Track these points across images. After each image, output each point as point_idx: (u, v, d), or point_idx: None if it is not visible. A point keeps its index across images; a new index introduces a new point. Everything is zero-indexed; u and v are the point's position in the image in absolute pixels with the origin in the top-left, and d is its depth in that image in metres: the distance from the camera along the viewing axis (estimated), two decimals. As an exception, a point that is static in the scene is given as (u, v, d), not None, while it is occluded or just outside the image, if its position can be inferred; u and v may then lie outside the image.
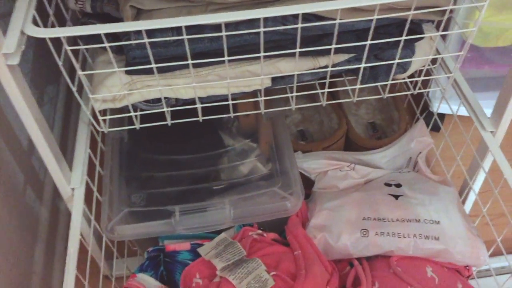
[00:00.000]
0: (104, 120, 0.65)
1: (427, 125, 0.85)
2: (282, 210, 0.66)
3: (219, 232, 0.67)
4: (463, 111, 0.76)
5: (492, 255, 0.72)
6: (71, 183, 0.67)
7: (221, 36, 0.54)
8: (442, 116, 0.98)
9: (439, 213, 0.66)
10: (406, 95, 0.94)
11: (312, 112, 0.94)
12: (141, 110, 0.65)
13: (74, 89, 0.59)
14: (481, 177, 0.76)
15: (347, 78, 0.68)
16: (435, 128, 0.96)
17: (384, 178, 0.74)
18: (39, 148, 0.61)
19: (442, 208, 0.67)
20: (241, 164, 0.74)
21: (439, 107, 0.83)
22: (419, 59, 0.65)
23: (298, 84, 0.64)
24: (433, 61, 0.72)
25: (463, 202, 0.81)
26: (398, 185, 0.71)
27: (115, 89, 0.60)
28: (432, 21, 0.69)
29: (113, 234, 0.65)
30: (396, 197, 0.69)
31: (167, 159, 0.73)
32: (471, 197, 0.80)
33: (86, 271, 0.62)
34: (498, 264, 0.82)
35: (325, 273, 0.61)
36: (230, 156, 0.75)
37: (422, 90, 0.70)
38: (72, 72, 0.60)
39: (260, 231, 0.67)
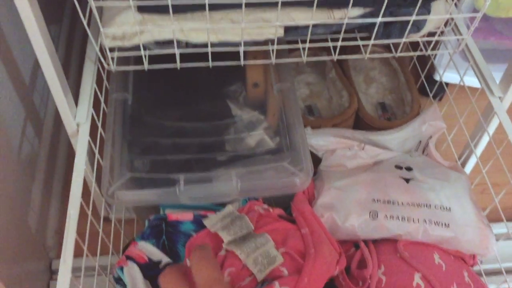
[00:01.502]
0: (112, 58, 0.63)
1: (431, 92, 0.88)
2: (290, 186, 0.64)
3: (222, 204, 0.65)
4: (467, 82, 0.78)
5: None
6: (77, 118, 0.66)
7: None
8: (445, 85, 0.98)
9: (450, 200, 0.65)
10: (411, 60, 0.94)
11: (321, 88, 0.91)
12: (150, 51, 0.63)
13: (85, 22, 0.57)
14: (482, 144, 0.78)
15: (360, 34, 0.67)
16: (437, 96, 0.99)
17: (394, 160, 0.72)
18: (47, 75, 0.60)
19: (454, 195, 0.66)
20: (248, 136, 0.71)
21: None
22: (435, 18, 0.64)
23: (311, 37, 0.62)
24: (445, 25, 0.72)
25: (463, 166, 0.82)
26: (409, 168, 0.70)
27: (125, 26, 0.59)
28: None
29: (113, 199, 0.62)
30: (407, 180, 0.67)
31: (172, 126, 0.70)
32: (471, 162, 0.81)
33: (89, 206, 0.61)
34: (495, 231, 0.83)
35: (334, 253, 0.59)
36: (237, 127, 0.72)
37: (433, 52, 0.70)
38: (80, 7, 0.58)
39: (266, 206, 0.65)
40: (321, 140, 0.74)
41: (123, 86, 0.72)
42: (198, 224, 0.63)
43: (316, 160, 0.75)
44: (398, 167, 0.70)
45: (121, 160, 0.65)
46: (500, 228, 0.82)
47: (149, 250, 0.61)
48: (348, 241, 0.66)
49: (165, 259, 0.60)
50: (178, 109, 0.72)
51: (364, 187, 0.66)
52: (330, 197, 0.66)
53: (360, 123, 0.82)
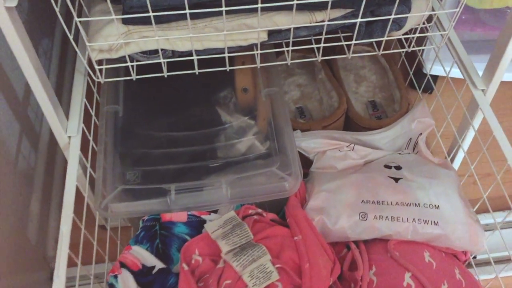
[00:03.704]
0: (101, 70, 0.65)
1: (420, 86, 0.89)
2: (280, 191, 0.65)
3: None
4: (455, 74, 0.79)
5: (479, 212, 0.75)
6: (68, 131, 0.68)
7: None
8: (434, 78, 1.00)
9: (439, 198, 0.66)
10: (400, 56, 0.95)
11: (311, 89, 0.91)
12: (137, 61, 0.65)
13: (71, 37, 0.58)
14: (470, 137, 0.79)
15: (343, 34, 0.68)
16: (427, 90, 1.01)
17: (384, 159, 0.73)
18: (37, 94, 0.62)
19: (442, 192, 0.66)
20: (239, 142, 0.72)
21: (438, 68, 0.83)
22: (415, 15, 0.65)
23: (294, 39, 0.64)
24: (428, 20, 0.73)
25: (452, 161, 0.83)
26: (398, 168, 0.70)
27: (111, 38, 0.60)
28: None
29: (106, 212, 0.63)
30: (396, 180, 0.68)
31: (163, 136, 0.71)
32: (460, 156, 0.82)
33: (82, 217, 0.63)
34: (484, 222, 0.86)
35: (328, 263, 0.60)
36: (227, 133, 0.73)
37: (416, 48, 0.71)
38: (68, 23, 0.60)
39: (260, 211, 0.66)
40: (311, 143, 0.75)
41: (114, 99, 0.73)
42: (192, 227, 0.65)
43: (308, 162, 0.76)
44: (387, 167, 0.71)
45: (113, 173, 0.66)
46: (491, 219, 0.83)
47: (143, 255, 0.62)
48: (339, 242, 0.67)
49: (158, 264, 0.61)
50: (168, 119, 0.73)
51: (354, 189, 0.67)
52: (320, 200, 0.67)
53: (350, 123, 0.83)
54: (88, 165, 0.68)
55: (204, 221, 0.64)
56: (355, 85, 0.91)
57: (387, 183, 0.67)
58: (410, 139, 0.78)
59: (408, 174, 0.68)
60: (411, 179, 0.68)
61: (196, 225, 0.64)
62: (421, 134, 0.78)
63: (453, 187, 0.68)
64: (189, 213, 0.64)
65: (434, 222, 0.64)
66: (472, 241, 0.65)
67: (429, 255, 0.63)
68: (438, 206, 0.65)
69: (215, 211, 0.66)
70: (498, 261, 0.76)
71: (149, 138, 0.70)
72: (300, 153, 0.74)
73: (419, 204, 0.65)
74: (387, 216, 0.64)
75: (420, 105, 0.78)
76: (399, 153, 0.75)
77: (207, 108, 0.75)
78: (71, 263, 0.57)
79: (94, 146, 0.70)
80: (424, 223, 0.63)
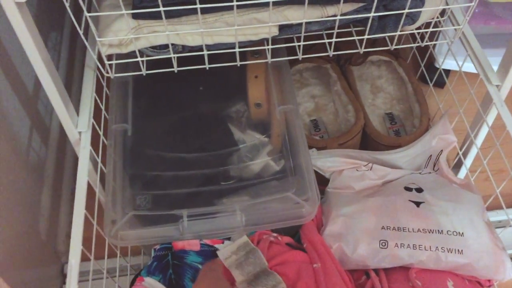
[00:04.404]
0: (110, 65, 0.64)
1: (431, 80, 0.86)
2: (297, 218, 0.62)
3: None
4: (467, 68, 0.76)
5: (491, 208, 0.74)
6: (78, 127, 0.67)
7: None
8: (447, 72, 0.98)
9: (463, 224, 0.63)
10: (412, 50, 0.92)
11: (326, 101, 0.88)
12: (148, 56, 0.64)
13: (81, 32, 0.58)
14: (483, 133, 0.77)
15: (355, 29, 0.67)
16: (440, 84, 0.98)
17: (403, 180, 0.70)
18: (47, 90, 0.61)
19: (467, 218, 0.63)
20: (253, 162, 0.69)
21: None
22: (429, 9, 0.63)
23: (306, 34, 0.63)
24: (442, 14, 0.71)
25: (465, 156, 0.80)
26: (419, 190, 0.67)
27: (121, 33, 0.60)
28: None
29: (116, 240, 0.61)
30: (418, 204, 0.65)
31: (174, 157, 0.68)
32: (473, 151, 0.80)
33: (94, 213, 0.62)
34: (496, 218, 0.85)
35: None
36: (241, 154, 0.70)
37: (429, 43, 0.70)
38: (77, 17, 0.58)
39: (275, 234, 0.63)
40: (327, 161, 0.72)
41: (122, 117, 0.71)
42: (205, 255, 0.62)
43: (324, 179, 0.73)
44: (408, 189, 0.67)
45: (122, 196, 0.64)
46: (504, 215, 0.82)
47: (156, 287, 0.60)
48: (359, 269, 0.64)
49: None
50: (179, 139, 0.71)
51: (373, 214, 0.64)
52: (338, 225, 0.64)
53: (368, 139, 0.80)
54: (99, 160, 0.67)
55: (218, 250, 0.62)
56: (371, 96, 0.88)
57: (408, 208, 0.64)
58: (430, 156, 0.75)
59: (430, 197, 0.65)
60: (433, 203, 0.65)
61: (209, 254, 0.61)
62: (441, 151, 0.75)
63: (477, 212, 0.65)
64: (201, 242, 0.62)
65: (458, 250, 0.61)
66: (498, 270, 0.62)
67: (453, 284, 0.61)
68: (463, 233, 0.62)
69: (228, 239, 0.63)
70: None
71: (159, 159, 0.68)
72: (315, 171, 0.71)
73: (442, 231, 0.62)
74: (408, 244, 0.61)
75: (441, 121, 0.75)
76: (420, 173, 0.72)
77: (219, 125, 0.72)
78: (82, 258, 0.58)
79: (105, 141, 0.69)
80: (448, 252, 0.61)
